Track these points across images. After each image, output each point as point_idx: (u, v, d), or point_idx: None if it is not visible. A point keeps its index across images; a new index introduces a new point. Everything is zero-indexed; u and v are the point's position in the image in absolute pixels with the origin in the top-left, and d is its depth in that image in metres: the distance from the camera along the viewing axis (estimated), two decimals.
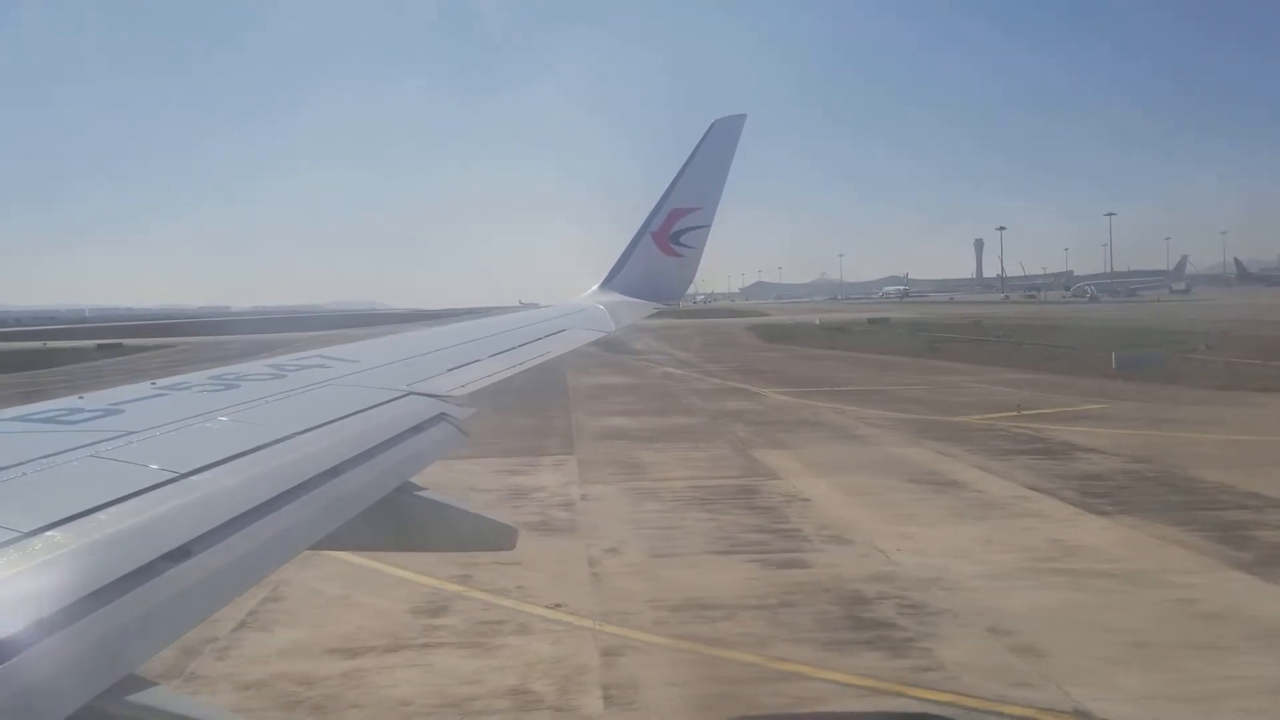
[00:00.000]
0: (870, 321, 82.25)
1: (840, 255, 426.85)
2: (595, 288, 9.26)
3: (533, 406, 29.01)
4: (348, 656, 8.89)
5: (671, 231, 8.88)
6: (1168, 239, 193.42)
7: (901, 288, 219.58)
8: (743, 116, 8.88)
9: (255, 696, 8.08)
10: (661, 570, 11.30)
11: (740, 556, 11.74)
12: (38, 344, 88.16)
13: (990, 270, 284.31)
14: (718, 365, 42.69)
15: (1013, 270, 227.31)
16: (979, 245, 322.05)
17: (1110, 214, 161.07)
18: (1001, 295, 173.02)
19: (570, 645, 9.00)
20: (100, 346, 77.70)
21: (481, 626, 9.56)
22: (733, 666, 8.40)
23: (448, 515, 3.44)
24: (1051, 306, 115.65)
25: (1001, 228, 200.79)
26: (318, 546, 2.59)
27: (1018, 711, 7.38)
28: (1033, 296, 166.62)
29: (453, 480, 17.02)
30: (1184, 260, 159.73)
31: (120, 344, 79.78)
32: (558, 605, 10.07)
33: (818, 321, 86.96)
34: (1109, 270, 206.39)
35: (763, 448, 19.67)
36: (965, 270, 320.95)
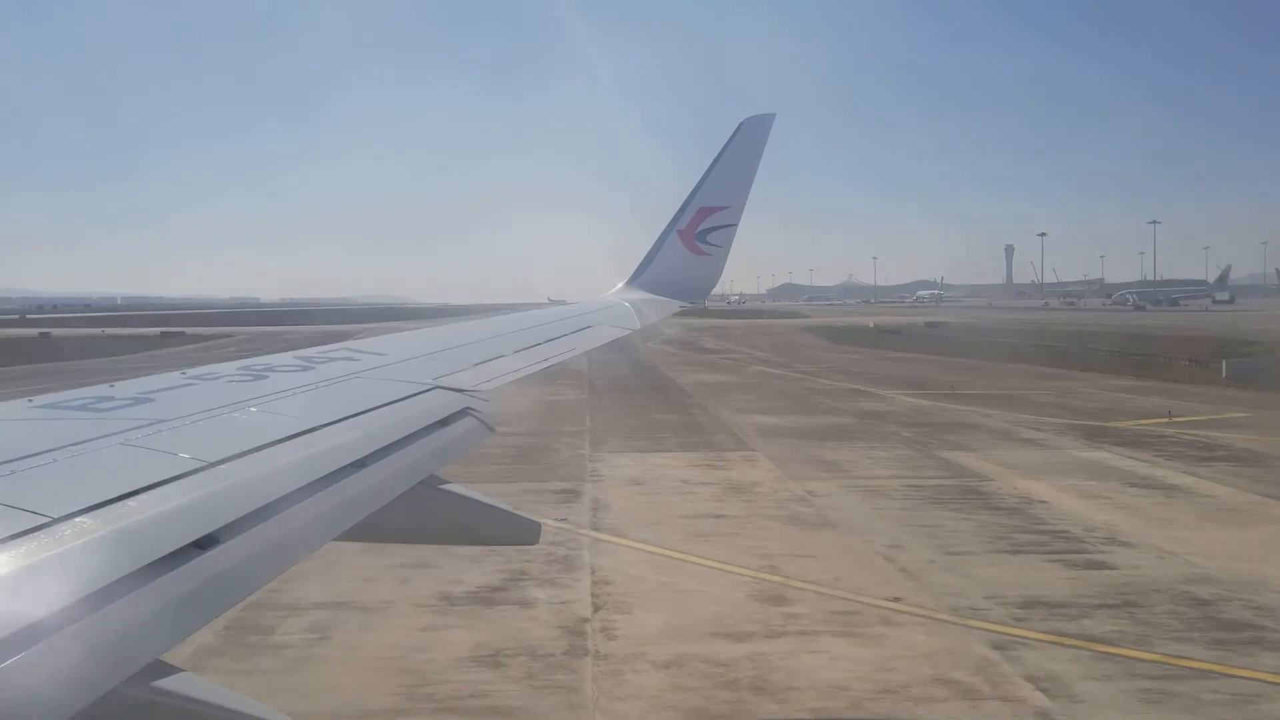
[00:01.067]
0: (928, 325, 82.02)
1: (874, 258, 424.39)
2: (621, 285, 9.24)
3: (662, 402, 29.28)
4: (735, 640, 9.13)
5: (698, 230, 8.86)
6: (1206, 248, 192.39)
7: (935, 292, 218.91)
8: (771, 116, 8.85)
9: (681, 674, 8.34)
10: (967, 567, 11.47)
11: (1034, 556, 11.91)
12: (96, 331, 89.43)
13: (1019, 276, 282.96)
14: (808, 365, 42.77)
15: (1045, 277, 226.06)
16: (1009, 251, 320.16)
17: (1154, 221, 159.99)
18: (1041, 302, 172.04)
19: (949, 638, 9.20)
20: (164, 334, 78.65)
21: (841, 617, 9.77)
22: (1141, 665, 8.56)
23: (472, 509, 3.44)
24: (1098, 314, 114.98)
25: (1042, 234, 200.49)
26: (343, 538, 2.56)
27: None
28: (1072, 303, 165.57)
29: (660, 473, 17.31)
30: (1227, 270, 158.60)
31: (183, 332, 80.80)
32: (896, 599, 10.27)
33: (872, 324, 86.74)
34: (1142, 278, 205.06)
35: (944, 450, 19.78)
36: (992, 275, 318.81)
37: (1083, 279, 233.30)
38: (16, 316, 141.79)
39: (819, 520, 13.90)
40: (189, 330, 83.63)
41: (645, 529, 13.37)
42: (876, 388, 32.20)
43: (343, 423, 3.09)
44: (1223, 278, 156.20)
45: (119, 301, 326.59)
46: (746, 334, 76.36)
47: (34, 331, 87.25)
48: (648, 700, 7.95)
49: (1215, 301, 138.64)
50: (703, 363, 46.63)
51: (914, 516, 14.06)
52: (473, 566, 11.19)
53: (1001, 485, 16.12)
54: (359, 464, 2.75)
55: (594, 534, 13.12)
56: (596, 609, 10.03)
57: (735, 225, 8.87)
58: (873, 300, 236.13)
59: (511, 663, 8.72)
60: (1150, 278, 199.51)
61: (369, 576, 10.94)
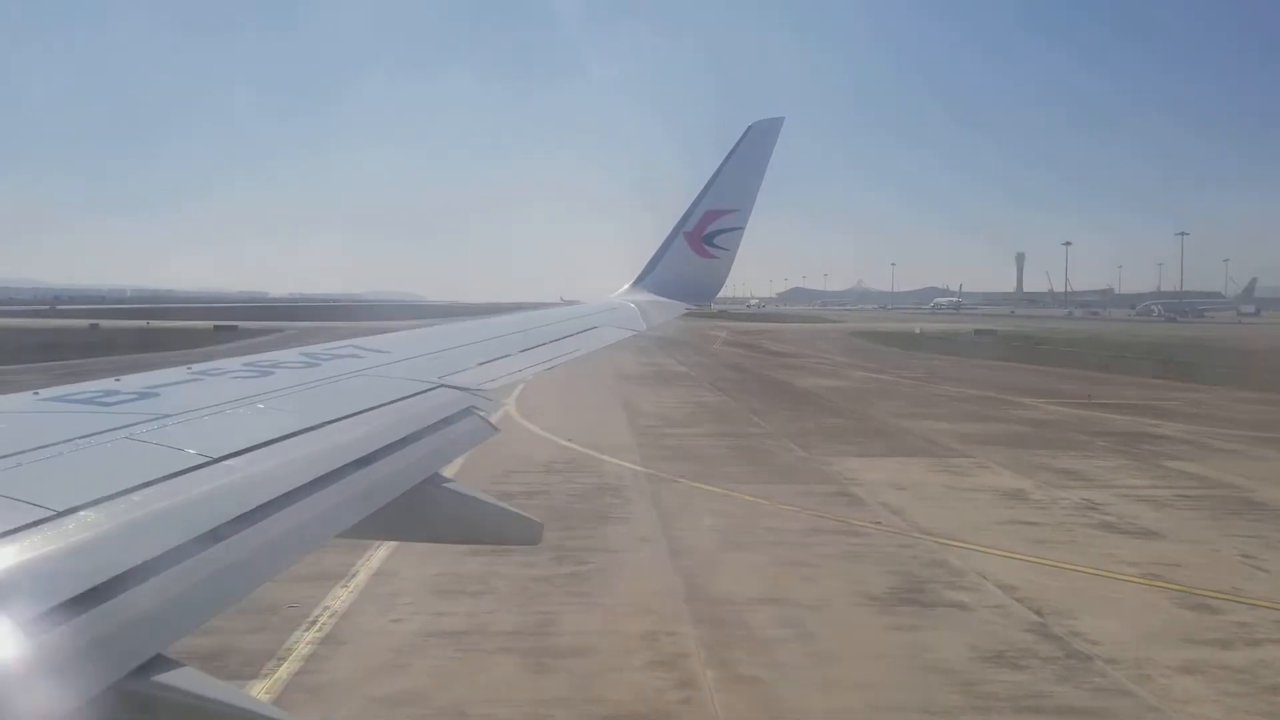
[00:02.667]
0: (977, 332, 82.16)
1: (893, 264, 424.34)
2: (627, 286, 9.22)
3: (807, 405, 29.29)
4: (1220, 647, 9.26)
5: (705, 233, 8.85)
6: (1227, 260, 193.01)
7: (955, 299, 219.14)
8: (780, 119, 8.80)
9: (1204, 681, 8.46)
10: None
11: None
12: (140, 323, 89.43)
13: (1032, 285, 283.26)
14: (904, 371, 42.74)
15: (1054, 285, 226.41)
16: (1020, 259, 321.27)
17: (1183, 233, 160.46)
18: (1065, 311, 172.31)
19: None
20: (217, 328, 78.60)
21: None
22: None
23: (475, 508, 3.43)
24: (1132, 325, 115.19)
25: (1067, 243, 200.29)
26: (347, 535, 2.58)
27: None
28: (1095, 313, 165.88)
29: (910, 478, 17.38)
30: (1253, 282, 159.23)
31: (236, 326, 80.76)
32: None
33: (918, 330, 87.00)
34: (1157, 289, 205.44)
35: (1166, 460, 19.90)
36: (1002, 283, 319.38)
37: (1096, 290, 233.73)
38: (46, 307, 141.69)
39: (1138, 529, 13.99)
40: (241, 325, 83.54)
41: (978, 533, 13.47)
42: (1009, 395, 32.28)
43: (347, 420, 3.12)
44: (1249, 290, 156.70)
45: (128, 294, 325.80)
46: (799, 338, 76.41)
47: (84, 323, 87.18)
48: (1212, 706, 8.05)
49: (1240, 314, 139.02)
50: (791, 365, 46.68)
51: (1225, 525, 14.19)
52: (860, 576, 11.33)
53: (1275, 493, 16.26)
54: (363, 461, 2.77)
55: (931, 539, 13.19)
56: (1041, 614, 10.13)
57: (743, 228, 8.88)
58: (889, 306, 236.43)
59: (1027, 661, 8.85)
60: (1165, 288, 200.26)
61: None
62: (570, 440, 21.70)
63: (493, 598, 10.53)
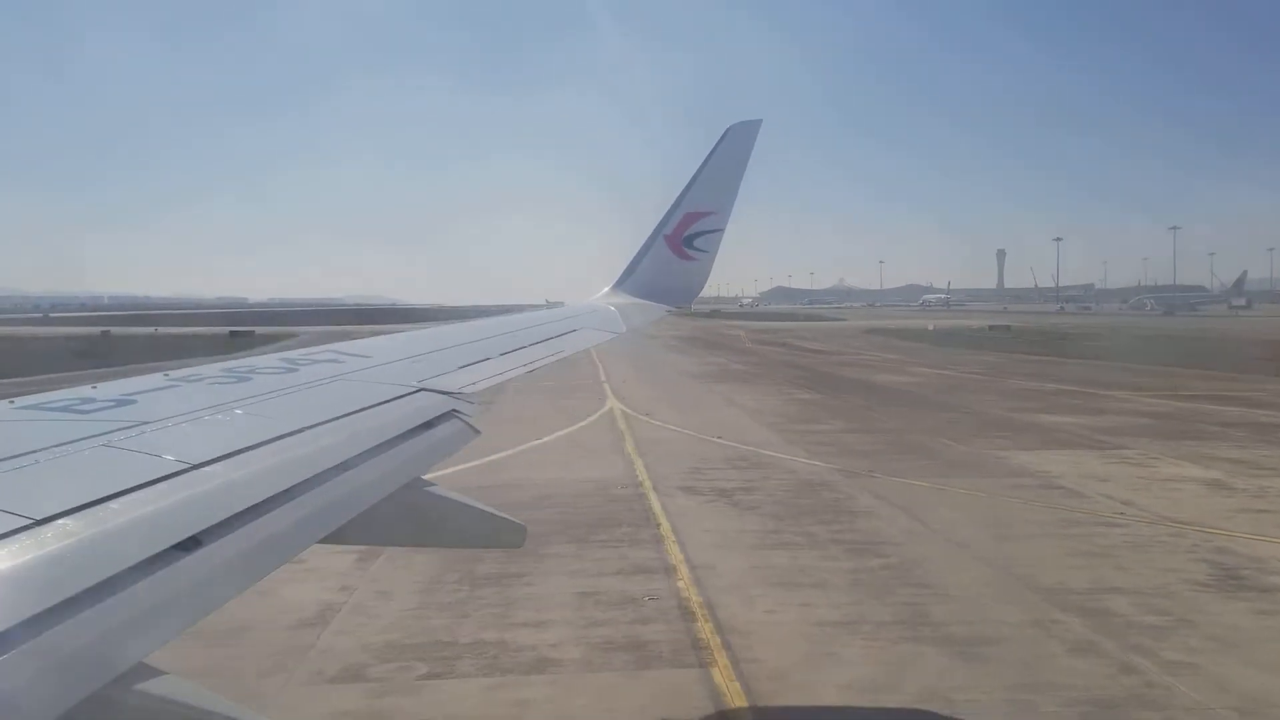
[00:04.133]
0: (991, 328, 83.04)
1: (881, 262, 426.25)
2: (607, 289, 9.25)
3: (906, 401, 29.56)
4: None
5: (685, 235, 8.90)
6: (1212, 254, 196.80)
7: (943, 296, 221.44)
8: (758, 122, 8.88)
9: None
10: None
11: None
12: (149, 330, 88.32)
13: (1009, 281, 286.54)
14: (962, 367, 42.97)
15: (1031, 281, 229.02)
16: (1001, 255, 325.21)
17: (1175, 227, 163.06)
18: (1057, 306, 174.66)
19: None
20: (233, 334, 77.77)
21: None
22: None
23: (458, 511, 3.48)
24: (1129, 319, 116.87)
25: (1058, 239, 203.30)
26: (329, 540, 2.59)
27: None
28: (1087, 308, 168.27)
29: (1090, 469, 17.68)
30: (1243, 276, 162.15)
31: (253, 332, 79.93)
32: None
33: (930, 328, 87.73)
34: (1138, 284, 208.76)
35: None
36: (981, 280, 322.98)
37: (1079, 285, 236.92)
38: (40, 315, 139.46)
39: None
40: (258, 330, 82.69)
41: (1229, 521, 13.75)
42: (1091, 389, 32.65)
43: (328, 425, 3.11)
44: (1239, 283, 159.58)
45: (105, 301, 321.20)
46: (820, 336, 76.82)
47: (95, 330, 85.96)
48: None
49: (1232, 307, 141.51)
50: (846, 363, 46.97)
51: None
52: (1168, 564, 11.57)
53: None
54: (344, 466, 2.77)
55: (1192, 528, 13.45)
56: None
57: (722, 230, 8.95)
58: (876, 304, 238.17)
59: None
60: (1145, 283, 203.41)
61: None
62: (721, 438, 21.87)
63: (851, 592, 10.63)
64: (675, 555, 12.01)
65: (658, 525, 13.63)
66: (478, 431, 3.78)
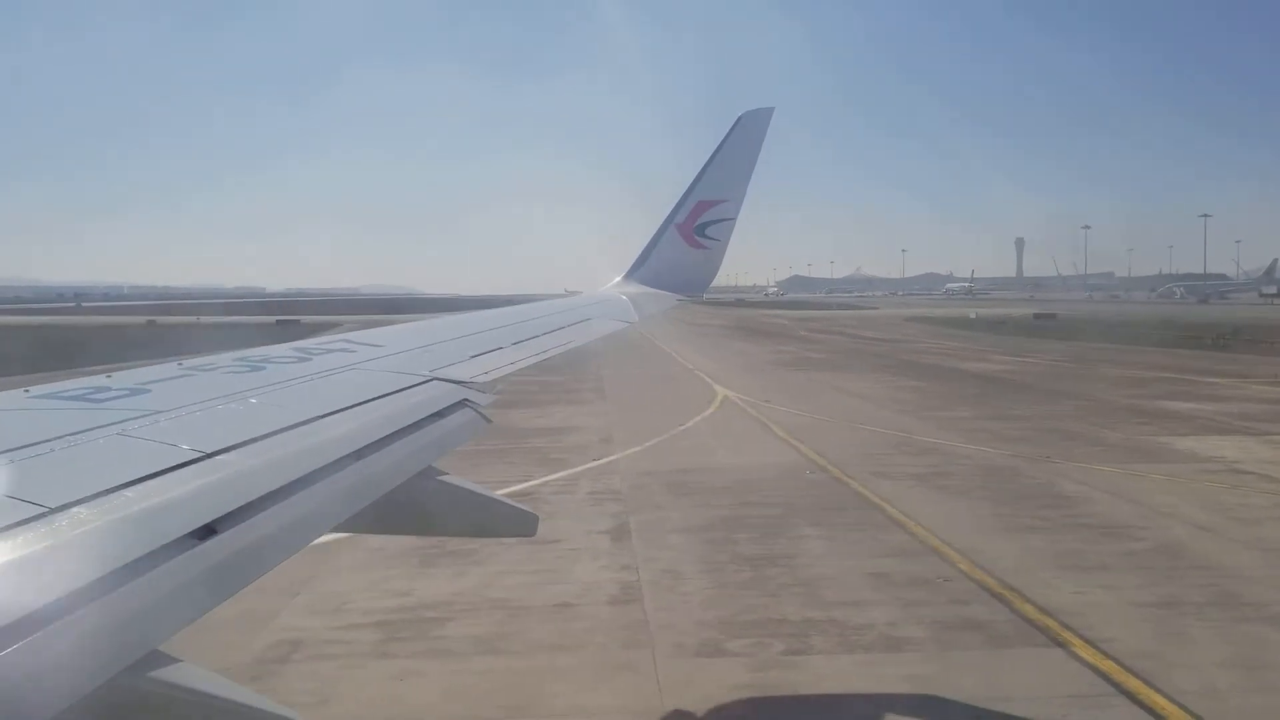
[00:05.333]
0: (1037, 317, 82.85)
1: (903, 250, 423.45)
2: (619, 278, 9.25)
3: (1023, 391, 29.49)
4: None
5: (697, 224, 8.87)
6: (1238, 242, 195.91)
7: (966, 284, 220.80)
8: (770, 109, 8.82)
9: None
10: None
11: None
12: (190, 319, 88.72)
13: (1027, 269, 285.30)
14: (1042, 355, 42.95)
15: (1051, 269, 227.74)
16: (1020, 244, 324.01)
17: (1206, 215, 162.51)
18: (1085, 294, 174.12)
19: None
20: (279, 323, 78.14)
21: None
22: None
23: (470, 500, 3.48)
24: (1168, 307, 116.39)
25: (1086, 226, 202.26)
26: (340, 529, 2.61)
27: None
28: (1115, 297, 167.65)
29: (1241, 454, 17.71)
30: (1275, 263, 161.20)
31: (299, 321, 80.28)
32: None
33: (973, 315, 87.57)
34: (1159, 273, 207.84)
35: None
36: (998, 268, 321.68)
37: (1100, 273, 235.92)
38: (73, 305, 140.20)
39: None
40: (303, 319, 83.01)
41: None
42: (1188, 375, 32.67)
43: (340, 414, 3.11)
44: (1270, 271, 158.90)
45: (125, 291, 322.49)
46: (869, 325, 76.64)
47: (140, 319, 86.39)
48: None
49: (1263, 294, 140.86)
50: (921, 350, 46.88)
51: None
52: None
53: None
54: (356, 455, 2.78)
55: None
56: None
57: (734, 219, 8.94)
58: (899, 293, 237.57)
59: None
60: (1166, 271, 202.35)
61: None
62: (859, 424, 21.94)
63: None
64: (928, 538, 12.13)
65: (882, 509, 13.75)
66: (489, 421, 3.81)
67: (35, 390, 3.00)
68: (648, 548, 11.94)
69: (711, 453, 18.70)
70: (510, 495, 14.53)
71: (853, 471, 16.46)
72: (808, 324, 78.67)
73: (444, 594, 10.36)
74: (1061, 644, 8.65)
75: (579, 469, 17.21)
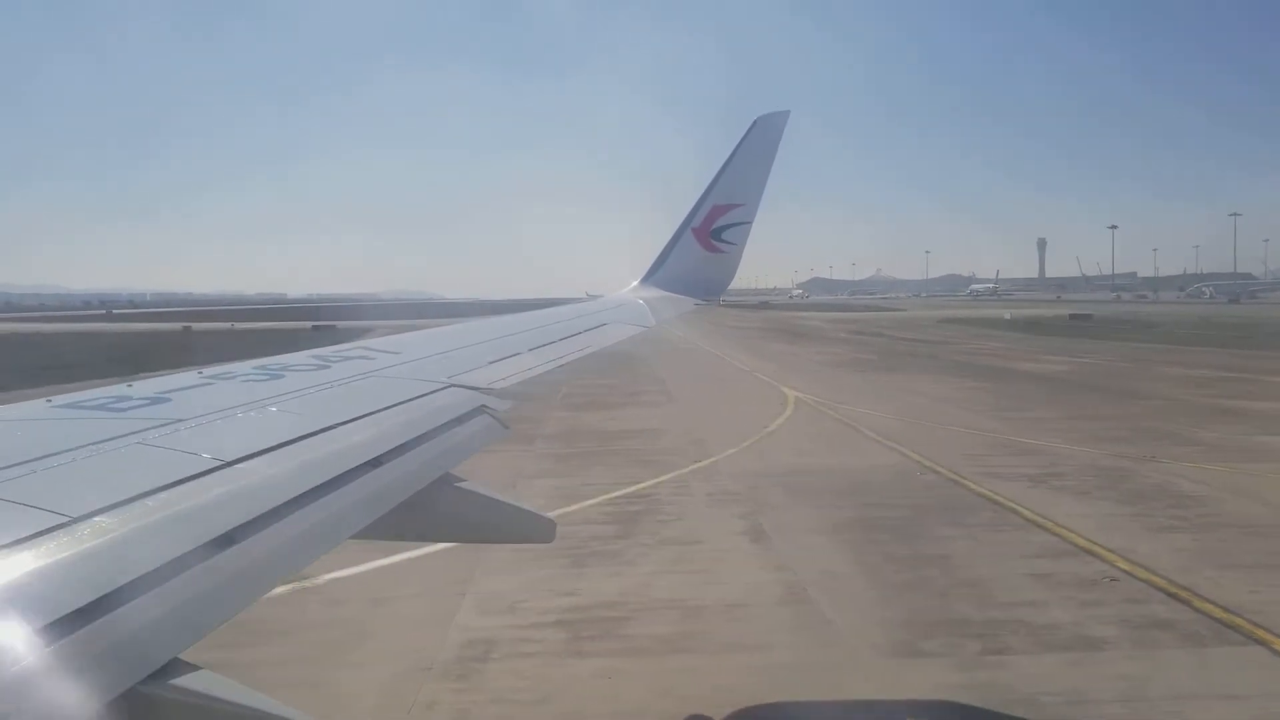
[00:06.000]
0: (1073, 317, 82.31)
1: (927, 252, 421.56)
2: (635, 283, 9.25)
3: (1089, 391, 29.27)
4: None
5: (713, 228, 8.85)
6: (1266, 241, 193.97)
7: (991, 285, 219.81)
8: (786, 113, 8.81)
9: None
10: None
11: None
12: (225, 325, 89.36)
13: (1049, 270, 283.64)
14: (1097, 355, 42.69)
15: (1074, 270, 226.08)
16: (1042, 244, 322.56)
17: (1235, 214, 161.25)
18: (1112, 295, 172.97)
19: None
20: (315, 328, 78.58)
21: None
22: None
23: (488, 507, 3.47)
24: (1202, 307, 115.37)
25: (1113, 226, 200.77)
26: (359, 536, 2.59)
27: None
28: (1143, 297, 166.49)
29: None
30: None
31: (334, 326, 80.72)
32: None
33: (1008, 316, 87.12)
34: (1183, 272, 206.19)
35: None
36: (1019, 269, 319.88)
37: (1122, 274, 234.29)
38: (103, 312, 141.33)
39: None
40: (339, 324, 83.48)
41: None
42: (1250, 375, 32.33)
43: (358, 421, 3.12)
44: None
45: (148, 297, 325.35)
46: (905, 327, 76.35)
47: (176, 326, 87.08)
48: None
49: None
50: (970, 352, 46.63)
51: None
52: None
53: None
54: (375, 462, 2.78)
55: None
56: None
57: (750, 223, 8.89)
58: (923, 294, 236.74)
59: None
60: (1190, 271, 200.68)
61: None
62: (942, 425, 21.89)
63: None
64: (1072, 538, 12.10)
65: (1014, 511, 13.72)
66: (507, 428, 3.83)
67: (58, 400, 3.05)
68: (792, 549, 11.98)
69: (811, 454, 18.71)
70: (626, 497, 14.77)
71: (964, 472, 16.43)
72: (842, 326, 78.48)
73: (609, 594, 10.43)
74: (1260, 642, 8.62)
75: (684, 470, 17.26)
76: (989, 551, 11.74)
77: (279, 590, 10.61)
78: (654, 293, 8.92)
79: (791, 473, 16.71)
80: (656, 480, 16.40)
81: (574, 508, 14.45)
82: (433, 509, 3.15)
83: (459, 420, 3.56)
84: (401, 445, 3.02)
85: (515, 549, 11.96)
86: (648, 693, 7.95)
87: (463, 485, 3.38)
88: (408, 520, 2.95)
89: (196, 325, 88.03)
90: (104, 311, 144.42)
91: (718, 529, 13.07)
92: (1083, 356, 42.11)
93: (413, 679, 8.31)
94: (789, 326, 78.59)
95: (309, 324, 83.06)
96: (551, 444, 20.59)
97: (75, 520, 1.90)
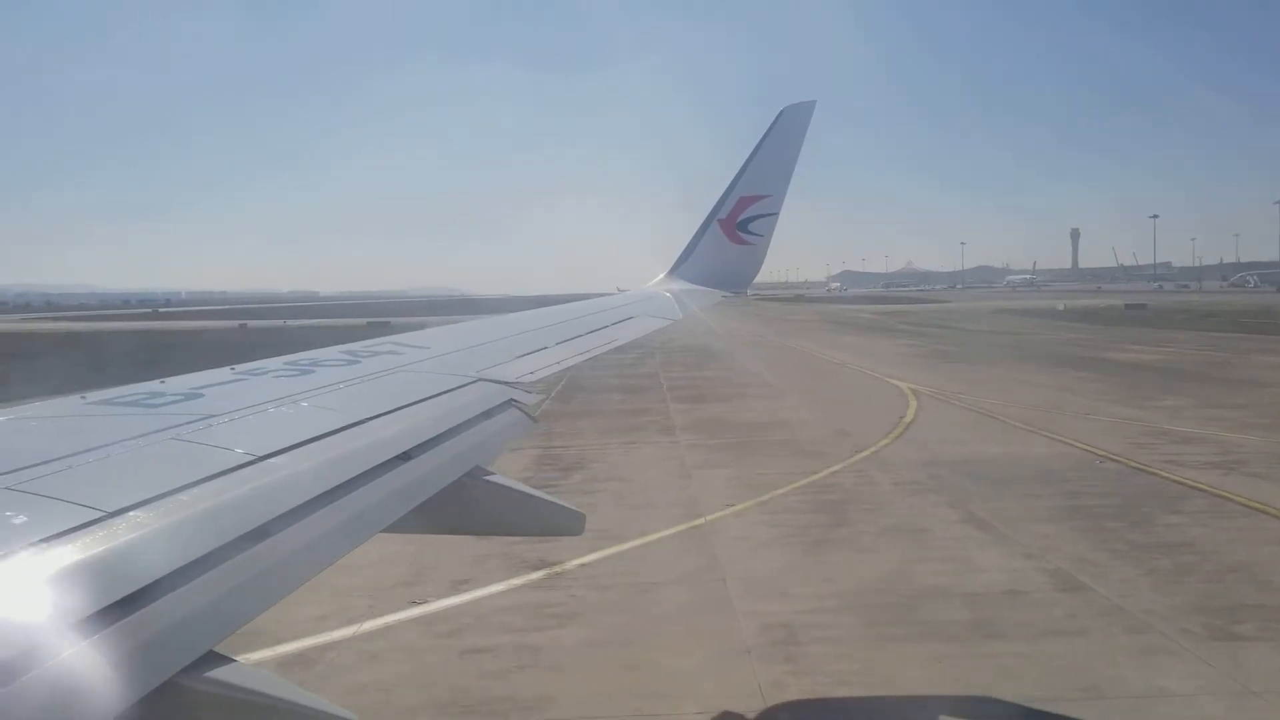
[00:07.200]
0: (1128, 307, 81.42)
1: (962, 243, 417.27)
2: (662, 275, 9.22)
3: (1201, 381, 28.90)
4: None
5: (739, 219, 8.80)
6: None
7: (1028, 276, 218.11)
8: (812, 103, 8.74)
9: None
10: None
11: None
12: (278, 322, 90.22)
13: (1091, 260, 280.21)
14: (1175, 347, 42.12)
15: (1106, 261, 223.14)
16: (1075, 235, 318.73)
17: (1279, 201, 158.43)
18: (1154, 284, 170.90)
19: None
20: (370, 324, 79.18)
21: None
22: None
23: (517, 500, 3.47)
24: (1249, 296, 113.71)
25: (1154, 216, 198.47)
26: (390, 529, 2.59)
27: None
28: (1185, 286, 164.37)
29: None
30: None
31: (388, 322, 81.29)
32: None
33: (1061, 307, 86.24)
34: (1220, 261, 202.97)
35: None
36: (1052, 261, 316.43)
37: (1156, 264, 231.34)
38: (150, 310, 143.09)
39: None
40: (393, 320, 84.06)
41: None
42: None
43: (389, 416, 3.12)
44: None
45: (183, 296, 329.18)
46: (959, 317, 75.77)
47: (233, 323, 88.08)
48: None
49: None
50: (1045, 341, 46.09)
51: None
52: None
53: None
54: (405, 456, 2.79)
55: None
56: None
57: (776, 214, 8.81)
58: (958, 286, 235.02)
59: None
60: (1227, 260, 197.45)
61: None
62: (1083, 415, 21.69)
63: None
64: None
65: (1224, 498, 13.60)
66: (535, 420, 3.83)
67: (92, 396, 3.07)
68: (1027, 537, 11.91)
69: (971, 444, 18.56)
70: (811, 486, 14.75)
71: (1142, 460, 16.30)
72: (894, 317, 78.03)
73: (871, 580, 10.43)
74: None
75: (850, 460, 17.22)
76: (1231, 537, 11.64)
77: (533, 574, 10.75)
78: (681, 285, 8.92)
79: (965, 462, 16.63)
80: (829, 470, 16.38)
81: (767, 497, 14.47)
82: (463, 502, 3.18)
83: (488, 414, 3.60)
84: (431, 439, 3.05)
85: (750, 529, 12.03)
86: (988, 675, 7.92)
87: (492, 479, 3.39)
88: (439, 513, 2.98)
89: (251, 323, 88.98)
90: (150, 310, 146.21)
91: (933, 517, 13.04)
92: (1165, 346, 41.63)
93: (738, 662, 8.36)
94: (843, 319, 78.26)
95: (364, 320, 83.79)
96: (692, 435, 20.65)
97: (111, 515, 1.92)
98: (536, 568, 11.15)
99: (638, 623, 9.40)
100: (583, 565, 11.20)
